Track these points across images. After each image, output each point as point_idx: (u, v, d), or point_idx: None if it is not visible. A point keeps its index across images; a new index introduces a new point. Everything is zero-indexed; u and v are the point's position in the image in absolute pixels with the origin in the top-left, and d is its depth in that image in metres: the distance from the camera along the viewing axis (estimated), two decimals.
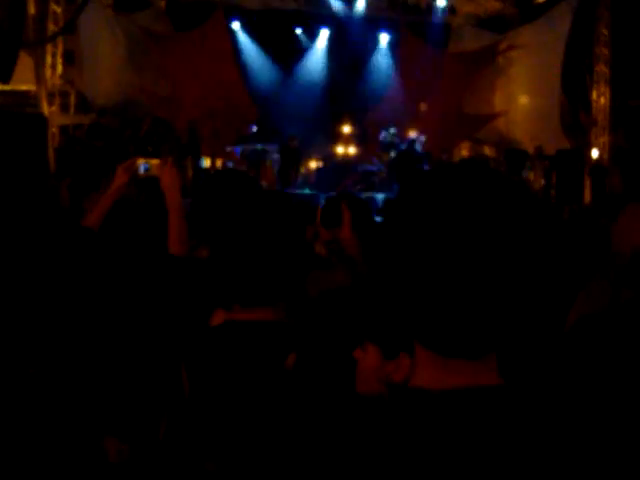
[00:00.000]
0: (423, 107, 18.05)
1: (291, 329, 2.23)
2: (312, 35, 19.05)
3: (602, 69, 17.50)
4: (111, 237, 3.41)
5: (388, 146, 16.72)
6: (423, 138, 16.81)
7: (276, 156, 16.14)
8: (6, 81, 12.10)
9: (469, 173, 1.15)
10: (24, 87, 15.00)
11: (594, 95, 17.65)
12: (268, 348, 2.15)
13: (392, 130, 16.89)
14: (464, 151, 19.81)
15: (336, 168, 16.22)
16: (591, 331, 2.28)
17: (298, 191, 14.76)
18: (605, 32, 17.33)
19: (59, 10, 15.53)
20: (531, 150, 16.22)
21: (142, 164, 3.28)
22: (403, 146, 16.66)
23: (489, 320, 1.09)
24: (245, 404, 2.09)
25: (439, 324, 1.10)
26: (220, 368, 2.16)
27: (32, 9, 13.92)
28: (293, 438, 1.20)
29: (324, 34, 18.99)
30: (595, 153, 17.31)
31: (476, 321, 1.09)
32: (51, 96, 15.50)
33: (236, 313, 2.25)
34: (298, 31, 18.95)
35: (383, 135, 17.01)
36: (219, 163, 15.61)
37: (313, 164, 16.84)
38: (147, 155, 12.97)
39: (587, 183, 15.75)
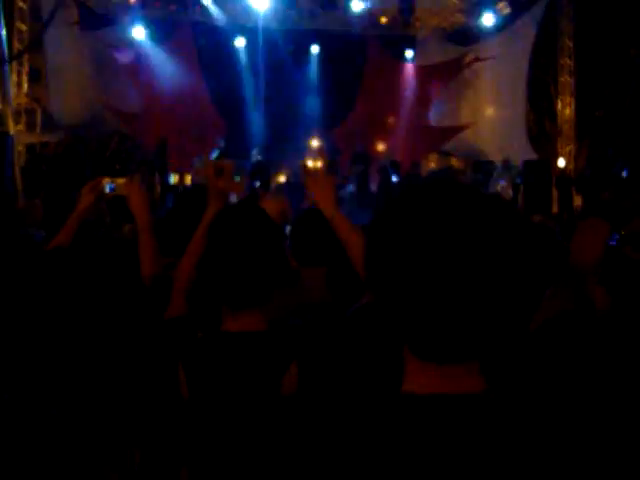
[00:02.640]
0: (390, 120, 18.12)
1: (287, 338, 2.26)
2: (278, 50, 19.05)
3: (567, 80, 17.72)
4: (81, 256, 3.38)
5: (357, 159, 16.73)
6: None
7: (245, 171, 16.11)
8: None
9: (444, 189, 1.22)
10: None
11: (559, 106, 17.86)
12: (266, 358, 2.17)
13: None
14: (432, 163, 19.91)
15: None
16: (557, 333, 2.34)
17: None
18: (569, 43, 17.55)
19: (24, 28, 15.43)
20: (498, 161, 16.34)
21: (108, 184, 3.26)
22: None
23: (471, 326, 1.15)
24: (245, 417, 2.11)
25: (425, 331, 1.17)
26: (219, 380, 2.17)
27: None
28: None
29: (290, 49, 18.99)
30: (561, 163, 17.48)
31: (458, 327, 1.15)
32: (17, 114, 15.38)
33: (228, 323, 2.25)
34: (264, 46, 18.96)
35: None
36: (188, 179, 15.54)
37: (282, 178, 16.80)
38: (115, 173, 12.96)
39: (555, 193, 15.90)
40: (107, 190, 3.28)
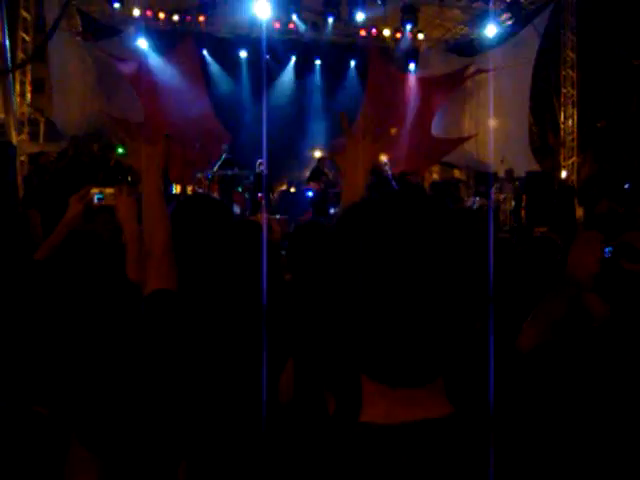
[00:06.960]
0: (393, 131, 18.10)
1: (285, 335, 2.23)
2: (281, 61, 19.13)
3: (569, 91, 17.73)
4: (67, 267, 3.36)
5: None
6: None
7: (248, 182, 16.15)
8: None
9: (402, 203, 1.15)
10: None
11: (562, 117, 17.87)
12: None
13: None
14: (435, 175, 19.91)
15: (302, 192, 15.91)
16: (547, 360, 2.33)
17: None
18: (571, 55, 17.58)
19: (28, 38, 15.51)
20: (501, 172, 16.32)
21: (96, 194, 3.23)
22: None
23: (428, 345, 1.09)
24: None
25: (382, 352, 1.10)
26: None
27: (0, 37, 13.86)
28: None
29: (293, 60, 19.11)
30: (564, 174, 17.49)
31: (416, 347, 1.09)
32: (20, 124, 15.42)
33: None
34: (267, 57, 19.01)
35: None
36: (190, 190, 15.55)
37: (284, 187, 16.81)
38: (117, 183, 12.82)
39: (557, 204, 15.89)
40: (95, 200, 3.25)
